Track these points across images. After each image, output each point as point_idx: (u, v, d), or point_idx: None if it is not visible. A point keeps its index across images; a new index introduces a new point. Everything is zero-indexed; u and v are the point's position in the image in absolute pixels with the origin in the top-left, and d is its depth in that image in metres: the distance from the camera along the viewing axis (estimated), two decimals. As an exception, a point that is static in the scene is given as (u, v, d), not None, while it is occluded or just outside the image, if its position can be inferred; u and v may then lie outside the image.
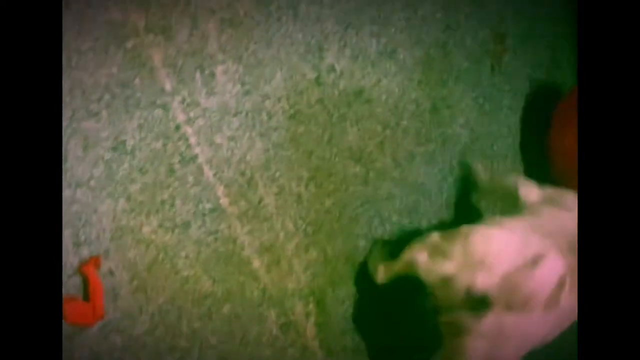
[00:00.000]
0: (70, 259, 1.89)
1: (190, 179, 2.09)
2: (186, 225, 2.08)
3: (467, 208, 2.78)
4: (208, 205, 2.13)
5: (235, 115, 2.20)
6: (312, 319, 2.36)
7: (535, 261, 2.12)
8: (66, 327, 1.87)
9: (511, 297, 2.11)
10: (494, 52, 3.10)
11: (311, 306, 2.35)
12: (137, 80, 2.01)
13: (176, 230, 2.06)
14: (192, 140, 2.10)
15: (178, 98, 2.07)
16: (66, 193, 1.89)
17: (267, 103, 2.27)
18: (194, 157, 2.10)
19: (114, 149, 1.97)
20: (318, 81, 2.37)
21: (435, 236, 2.28)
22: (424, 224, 2.70)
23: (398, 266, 2.26)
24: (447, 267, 2.19)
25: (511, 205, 2.50)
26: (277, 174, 2.28)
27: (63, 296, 1.86)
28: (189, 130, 2.09)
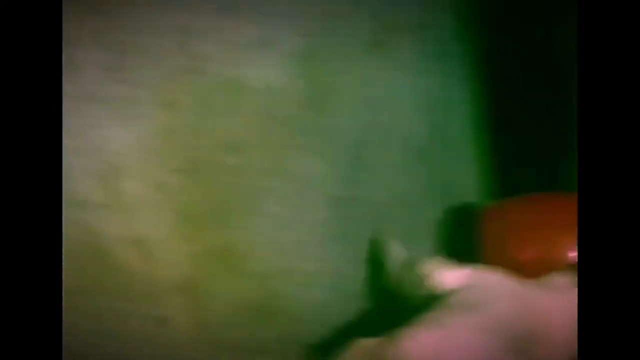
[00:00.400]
0: None
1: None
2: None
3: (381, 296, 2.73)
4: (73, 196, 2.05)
5: (101, 102, 2.12)
6: (187, 314, 2.28)
7: None
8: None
9: None
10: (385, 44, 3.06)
11: (186, 300, 2.28)
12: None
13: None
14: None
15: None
16: None
17: (135, 91, 2.19)
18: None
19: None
20: (189, 69, 2.30)
21: (364, 343, 2.12)
22: (307, 216, 2.64)
23: None
24: None
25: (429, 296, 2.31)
26: (146, 164, 2.20)
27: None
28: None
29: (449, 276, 2.37)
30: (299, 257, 2.60)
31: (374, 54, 2.98)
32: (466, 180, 3.42)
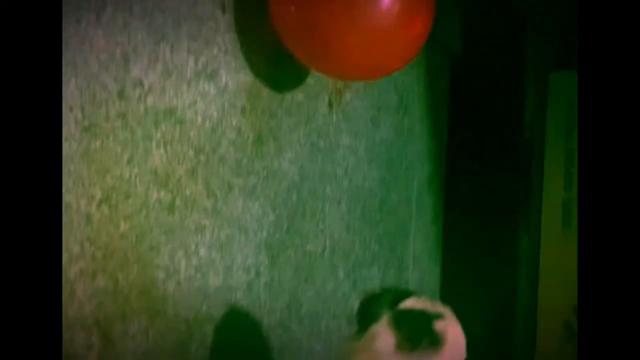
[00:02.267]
0: None
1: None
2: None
3: None
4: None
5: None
6: (94, 353, 2.12)
7: None
8: None
9: None
10: (333, 88, 2.96)
11: (94, 338, 2.13)
12: None
13: None
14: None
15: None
16: None
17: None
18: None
19: None
20: (121, 94, 2.17)
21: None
22: (238, 260, 2.51)
23: None
24: None
25: None
26: (63, 189, 2.06)
27: None
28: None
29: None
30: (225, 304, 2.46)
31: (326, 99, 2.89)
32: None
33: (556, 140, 3.63)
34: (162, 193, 2.30)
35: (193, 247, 2.38)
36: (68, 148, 2.07)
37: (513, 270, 3.54)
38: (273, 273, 2.63)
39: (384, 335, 2.05)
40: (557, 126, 3.61)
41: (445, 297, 3.74)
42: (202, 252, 2.40)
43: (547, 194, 3.58)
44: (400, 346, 2.03)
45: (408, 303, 2.12)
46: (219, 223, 2.46)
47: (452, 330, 2.08)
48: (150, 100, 2.25)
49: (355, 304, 2.80)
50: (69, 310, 2.07)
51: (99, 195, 2.15)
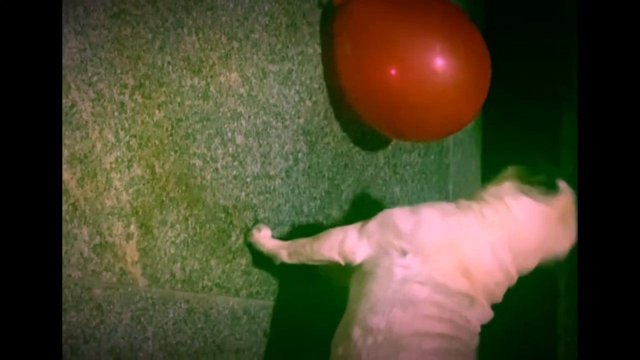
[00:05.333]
0: None
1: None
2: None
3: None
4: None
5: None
6: (132, 242, 2.12)
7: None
8: None
9: None
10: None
11: (132, 227, 2.12)
12: None
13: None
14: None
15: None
16: None
17: (88, -2, 2.01)
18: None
19: None
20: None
21: None
22: (275, 147, 2.47)
23: None
24: None
25: None
26: (95, 78, 2.03)
27: None
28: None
29: None
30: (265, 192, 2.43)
31: None
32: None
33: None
34: (196, 80, 2.25)
35: (229, 134, 2.35)
36: (98, 35, 2.02)
37: (555, 151, 3.47)
38: (312, 160, 2.59)
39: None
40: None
41: (488, 180, 3.70)
42: (239, 139, 2.37)
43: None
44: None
45: None
46: (254, 110, 2.41)
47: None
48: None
49: (395, 190, 2.77)
50: (107, 200, 2.06)
51: (132, 83, 2.11)
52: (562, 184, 2.18)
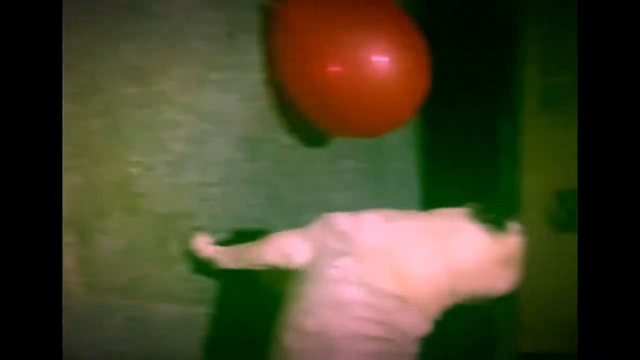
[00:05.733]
0: None
1: None
2: None
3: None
4: None
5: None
6: (71, 251, 2.11)
7: None
8: None
9: None
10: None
11: (71, 236, 2.11)
12: None
13: None
14: None
15: None
16: None
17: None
18: None
19: None
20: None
21: None
22: (214, 155, 2.48)
23: None
24: None
25: None
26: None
27: None
28: None
29: None
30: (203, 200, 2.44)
31: None
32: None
33: (534, 24, 3.57)
34: (135, 88, 2.26)
35: (168, 142, 2.35)
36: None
37: (493, 158, 3.51)
38: (250, 167, 2.60)
39: None
40: (535, 10, 3.55)
41: (427, 186, 3.74)
42: (178, 147, 2.37)
43: (527, 80, 3.54)
44: None
45: None
46: (193, 118, 2.42)
47: None
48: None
49: (335, 197, 2.79)
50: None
51: (69, 91, 2.10)
52: (511, 226, 2.21)
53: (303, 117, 2.67)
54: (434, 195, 3.47)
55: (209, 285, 2.45)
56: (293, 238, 2.26)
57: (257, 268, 2.33)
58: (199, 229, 2.41)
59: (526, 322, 3.42)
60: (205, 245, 2.37)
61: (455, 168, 3.56)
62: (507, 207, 2.46)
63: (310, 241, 2.23)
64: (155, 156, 2.31)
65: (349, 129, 2.69)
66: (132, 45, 2.25)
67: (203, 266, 2.39)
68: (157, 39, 2.31)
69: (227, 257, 2.35)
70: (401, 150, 3.34)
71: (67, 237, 2.11)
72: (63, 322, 2.05)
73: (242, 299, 2.53)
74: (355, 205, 2.98)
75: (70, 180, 2.11)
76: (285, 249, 2.26)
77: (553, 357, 3.38)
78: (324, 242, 2.20)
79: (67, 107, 2.10)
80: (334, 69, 2.51)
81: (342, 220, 2.23)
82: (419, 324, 2.16)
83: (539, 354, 3.45)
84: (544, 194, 3.47)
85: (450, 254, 2.16)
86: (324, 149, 2.92)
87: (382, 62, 2.51)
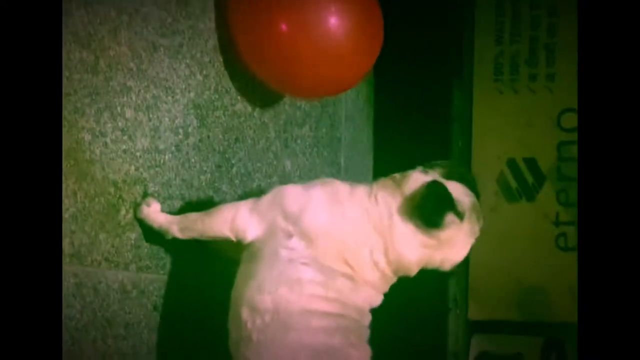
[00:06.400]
0: None
1: None
2: None
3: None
4: None
5: None
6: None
7: None
8: None
9: None
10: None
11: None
12: None
13: None
14: None
15: None
16: None
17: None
18: None
19: None
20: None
21: None
22: (165, 122, 2.47)
23: None
24: None
25: None
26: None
27: None
28: None
29: None
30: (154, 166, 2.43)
31: None
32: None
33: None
34: (85, 54, 2.24)
35: (119, 108, 2.34)
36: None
37: (445, 126, 3.53)
38: (202, 133, 2.60)
39: None
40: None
41: (379, 154, 3.76)
42: (129, 113, 2.37)
43: (479, 48, 3.55)
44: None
45: None
46: (144, 84, 2.41)
47: None
48: (66, -42, 2.16)
49: (287, 163, 2.80)
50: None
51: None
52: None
53: (255, 79, 2.67)
54: (385, 162, 3.48)
55: (159, 252, 2.45)
56: (243, 211, 2.27)
57: (207, 239, 2.33)
58: (149, 195, 2.40)
59: (476, 290, 3.46)
60: (155, 213, 2.36)
61: (408, 135, 3.58)
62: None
63: (260, 217, 2.25)
64: (106, 122, 2.29)
65: (299, 88, 2.69)
66: (82, 10, 2.22)
67: (154, 233, 2.38)
68: (107, 4, 2.28)
69: (177, 227, 2.35)
70: (354, 117, 3.35)
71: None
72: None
73: (193, 267, 2.53)
74: (307, 174, 3.01)
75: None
76: (235, 221, 2.27)
77: (502, 325, 3.43)
78: (273, 219, 2.22)
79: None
80: (286, 26, 2.51)
81: (292, 198, 2.24)
82: (369, 298, 2.19)
83: (489, 321, 3.49)
84: (495, 163, 3.51)
85: (388, 247, 2.20)
86: (276, 116, 2.92)
87: (334, 20, 2.51)
